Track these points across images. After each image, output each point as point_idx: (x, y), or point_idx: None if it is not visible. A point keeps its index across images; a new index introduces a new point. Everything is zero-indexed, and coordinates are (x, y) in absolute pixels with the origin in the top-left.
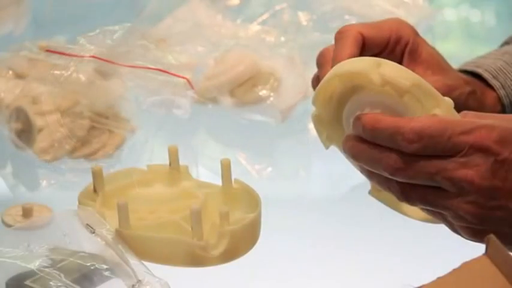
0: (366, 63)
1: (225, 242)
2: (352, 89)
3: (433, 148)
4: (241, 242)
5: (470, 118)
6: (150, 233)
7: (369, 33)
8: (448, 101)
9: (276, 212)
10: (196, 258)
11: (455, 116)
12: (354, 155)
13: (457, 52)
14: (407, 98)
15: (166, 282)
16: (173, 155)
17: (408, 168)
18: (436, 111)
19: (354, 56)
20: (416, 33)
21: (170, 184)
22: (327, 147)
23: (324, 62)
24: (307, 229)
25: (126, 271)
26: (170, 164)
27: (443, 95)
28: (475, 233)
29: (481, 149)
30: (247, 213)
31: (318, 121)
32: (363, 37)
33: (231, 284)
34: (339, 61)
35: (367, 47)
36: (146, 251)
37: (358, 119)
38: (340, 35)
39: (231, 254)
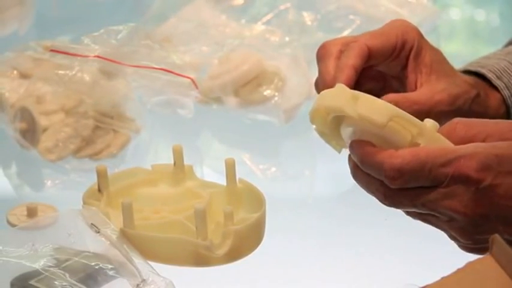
0: (343, 98)
1: (230, 242)
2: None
3: (416, 182)
4: (245, 241)
5: (461, 130)
6: (154, 232)
7: (375, 44)
8: (431, 126)
9: (281, 212)
10: (200, 258)
11: (440, 140)
12: (354, 177)
13: (461, 52)
14: (389, 127)
15: (170, 281)
16: (178, 154)
17: (396, 199)
18: (419, 140)
19: (357, 68)
20: (420, 36)
21: (175, 184)
22: (339, 152)
23: (323, 55)
24: (311, 229)
25: (130, 270)
26: (175, 164)
27: (449, 105)
28: (470, 249)
29: (461, 180)
30: (252, 212)
31: (322, 135)
32: (369, 49)
33: (236, 283)
34: (339, 69)
35: (373, 57)
36: (150, 251)
37: (351, 147)
38: (347, 47)
39: (235, 253)
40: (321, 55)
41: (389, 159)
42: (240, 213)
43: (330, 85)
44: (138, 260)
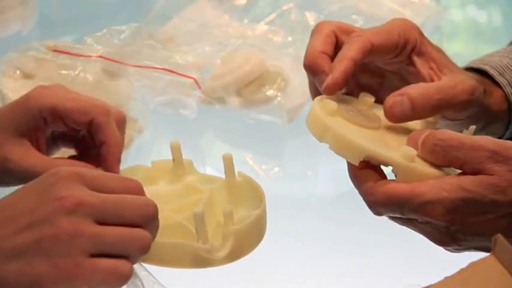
0: (317, 128)
1: (230, 243)
2: None
3: (395, 215)
4: (246, 240)
5: (439, 152)
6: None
7: (377, 41)
8: (404, 157)
9: (283, 212)
10: (201, 261)
11: (414, 172)
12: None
13: (463, 52)
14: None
15: None
16: (176, 150)
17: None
18: (395, 172)
19: (357, 61)
20: (421, 34)
21: (175, 180)
22: None
23: (315, 31)
24: (314, 229)
25: (134, 283)
26: (174, 160)
27: (470, 94)
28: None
29: (431, 222)
30: (252, 207)
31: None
32: (371, 46)
33: (239, 283)
34: (338, 60)
35: (374, 53)
36: (152, 255)
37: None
38: (349, 39)
39: (236, 253)
40: (313, 31)
41: (366, 196)
42: (240, 209)
43: (311, 57)
44: (141, 272)
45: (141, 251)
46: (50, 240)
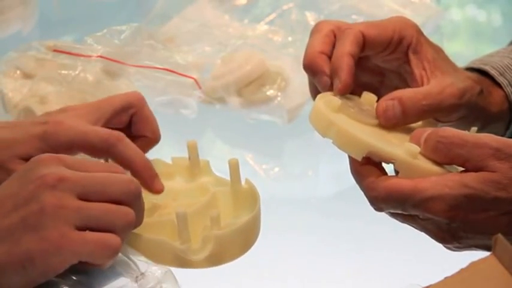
0: (321, 124)
1: (210, 247)
2: None
3: (396, 211)
4: (229, 246)
5: (441, 150)
6: (145, 232)
7: (370, 33)
8: (407, 153)
9: (284, 212)
10: (181, 260)
11: (416, 168)
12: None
13: (463, 52)
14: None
15: (169, 269)
16: (192, 149)
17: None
18: (397, 168)
19: (354, 55)
20: (419, 33)
21: (191, 179)
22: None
23: (314, 31)
24: (314, 229)
25: (128, 264)
26: (189, 159)
27: (458, 98)
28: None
29: (432, 219)
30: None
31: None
32: (363, 36)
33: (238, 283)
34: (337, 58)
35: (368, 46)
36: (137, 250)
37: (349, 158)
38: (341, 34)
39: (217, 258)
40: (312, 31)
41: (368, 191)
42: (242, 216)
43: (310, 57)
44: (133, 255)
45: (126, 226)
46: (36, 215)
